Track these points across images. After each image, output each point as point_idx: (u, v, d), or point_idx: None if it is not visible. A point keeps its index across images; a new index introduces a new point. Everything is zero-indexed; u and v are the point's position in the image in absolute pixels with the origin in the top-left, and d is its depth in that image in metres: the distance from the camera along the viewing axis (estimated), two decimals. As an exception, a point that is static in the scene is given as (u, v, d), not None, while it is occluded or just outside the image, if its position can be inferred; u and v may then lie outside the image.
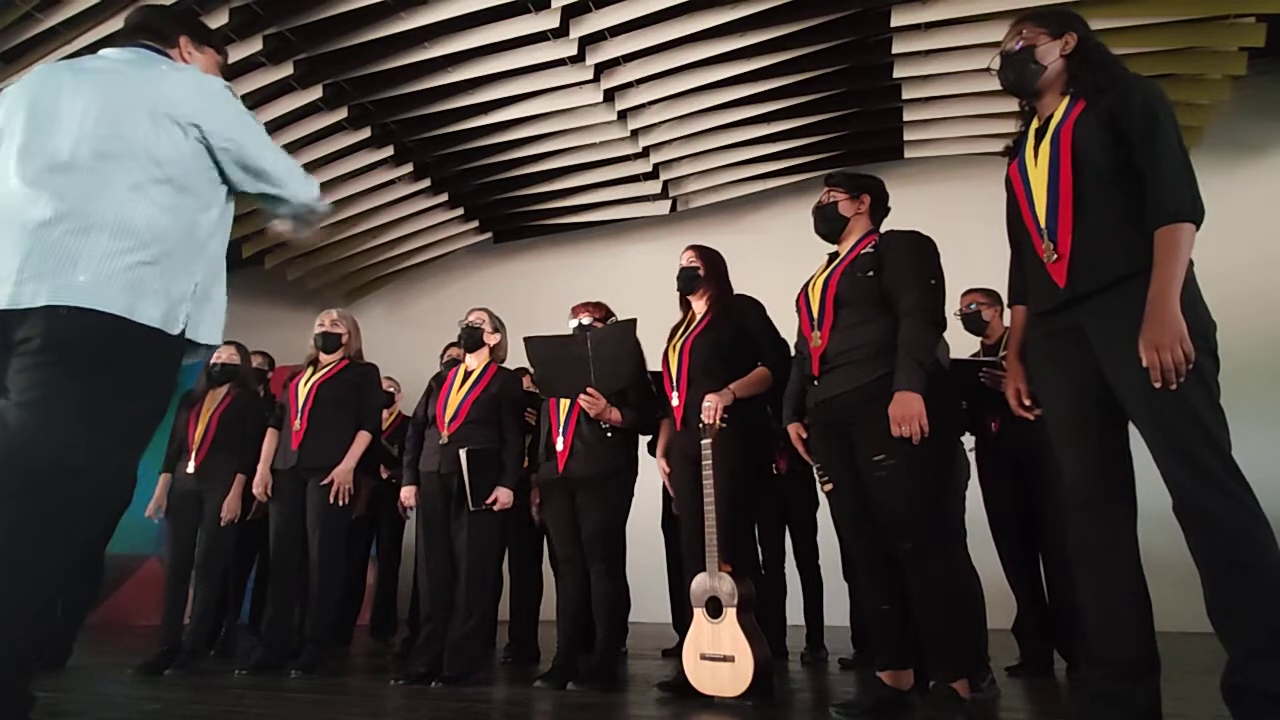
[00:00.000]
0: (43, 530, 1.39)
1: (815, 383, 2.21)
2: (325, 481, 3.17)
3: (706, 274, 2.74)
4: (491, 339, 3.15)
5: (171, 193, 1.56)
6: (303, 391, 3.28)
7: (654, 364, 3.00)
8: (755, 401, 2.58)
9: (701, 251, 2.78)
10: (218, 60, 1.88)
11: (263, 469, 3.30)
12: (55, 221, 1.46)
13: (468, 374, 3.09)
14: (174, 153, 1.58)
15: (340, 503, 3.19)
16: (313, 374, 3.33)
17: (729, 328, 2.64)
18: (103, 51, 1.70)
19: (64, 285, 1.43)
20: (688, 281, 2.75)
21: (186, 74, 1.68)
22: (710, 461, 2.42)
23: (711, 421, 2.43)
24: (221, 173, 1.67)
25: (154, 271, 1.52)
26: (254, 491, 3.30)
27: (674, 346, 2.72)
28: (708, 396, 2.47)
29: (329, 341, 3.36)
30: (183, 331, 1.56)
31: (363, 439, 3.28)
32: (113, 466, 1.50)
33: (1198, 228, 1.56)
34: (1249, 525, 1.47)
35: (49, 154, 1.52)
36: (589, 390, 2.74)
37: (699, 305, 2.75)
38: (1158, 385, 1.50)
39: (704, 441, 2.44)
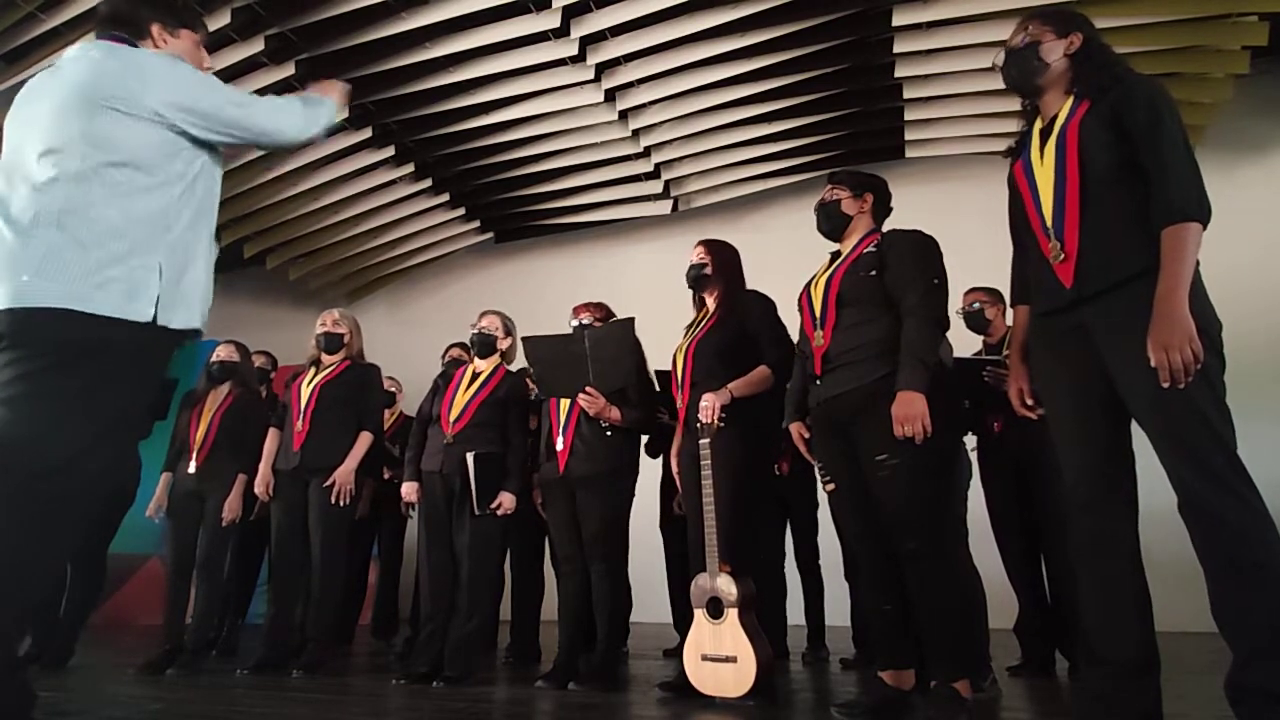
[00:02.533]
0: (36, 527, 1.40)
1: (817, 382, 2.21)
2: (327, 484, 3.17)
3: (715, 271, 2.72)
4: (503, 344, 3.15)
5: (121, 176, 1.53)
6: (305, 392, 3.28)
7: (658, 363, 3.01)
8: (757, 400, 2.58)
9: (711, 247, 2.76)
10: (196, 39, 1.83)
11: (264, 469, 3.30)
12: (6, 224, 1.47)
13: (475, 375, 3.09)
14: (119, 136, 1.54)
15: (341, 503, 3.19)
16: (315, 374, 3.33)
17: (732, 328, 2.64)
18: (66, 53, 1.67)
19: (15, 288, 1.43)
20: (696, 279, 2.74)
21: (126, 58, 1.63)
22: (709, 462, 2.42)
23: (709, 421, 2.43)
24: (196, 141, 1.64)
25: (108, 259, 1.49)
26: (255, 491, 3.30)
27: (680, 349, 2.72)
28: (705, 396, 2.47)
29: (331, 342, 3.36)
30: (154, 319, 1.53)
31: (364, 440, 3.28)
32: (101, 460, 1.49)
33: (1205, 227, 1.56)
34: (1254, 524, 1.47)
35: (12, 172, 1.53)
36: (587, 389, 2.74)
37: (710, 302, 2.75)
38: (1166, 385, 1.49)
39: (702, 441, 2.44)
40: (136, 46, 1.70)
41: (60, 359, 1.45)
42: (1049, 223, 1.72)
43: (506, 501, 2.91)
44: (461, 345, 3.84)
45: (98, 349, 1.48)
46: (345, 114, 1.90)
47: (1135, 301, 1.56)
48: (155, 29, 1.75)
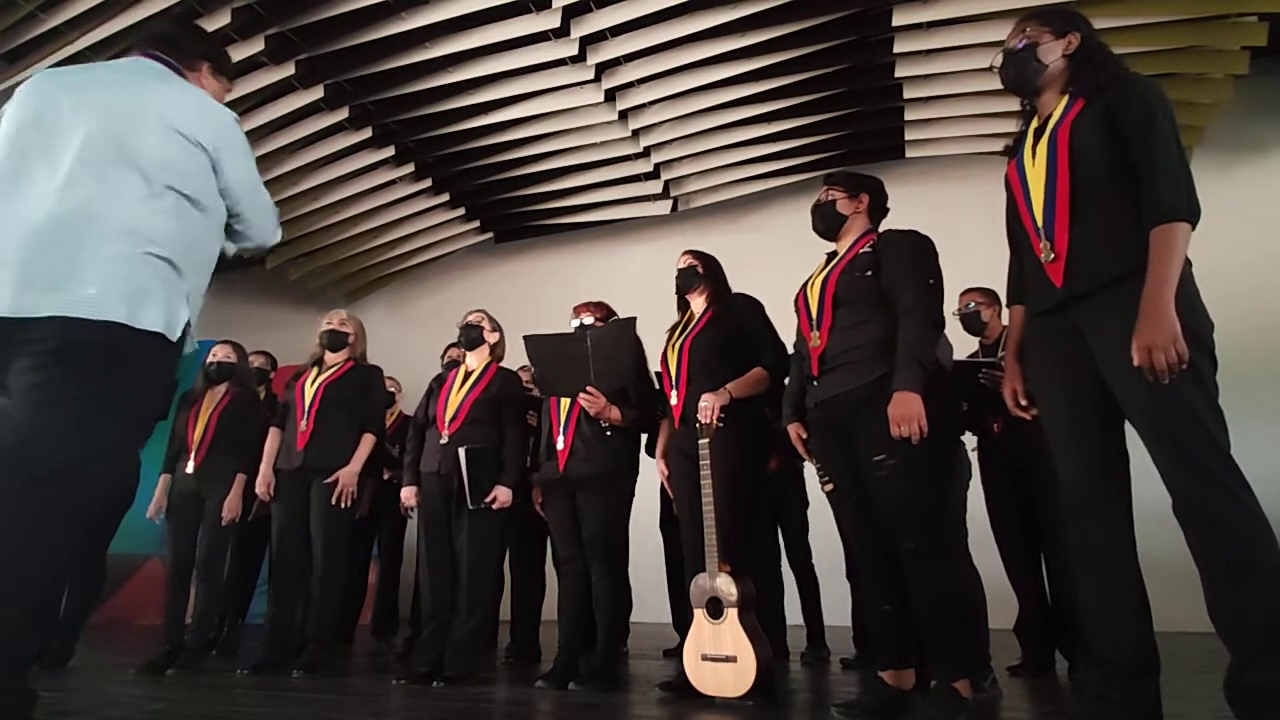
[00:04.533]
0: (46, 526, 1.41)
1: (814, 383, 2.21)
2: (329, 481, 3.17)
3: (705, 273, 2.76)
4: (491, 337, 3.16)
5: (178, 202, 1.61)
6: (309, 392, 3.28)
7: (657, 363, 3.01)
8: (753, 401, 2.58)
9: (698, 254, 2.81)
10: (227, 89, 1.95)
11: (265, 468, 3.30)
12: (61, 229, 1.48)
13: (468, 374, 3.09)
14: (182, 165, 1.62)
15: (344, 505, 3.19)
16: (318, 374, 3.34)
17: (728, 326, 2.66)
18: (114, 62, 1.75)
19: (70, 297, 1.46)
20: (687, 280, 2.76)
21: (197, 95, 1.72)
22: (708, 462, 2.43)
23: (708, 421, 2.44)
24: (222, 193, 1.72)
25: (157, 278, 1.56)
26: (257, 491, 3.30)
27: (673, 346, 2.73)
28: (704, 396, 2.48)
29: (335, 340, 3.36)
30: (176, 337, 1.60)
31: (368, 442, 3.29)
32: (113, 464, 1.53)
33: (1194, 227, 1.55)
34: (1248, 525, 1.47)
35: (57, 164, 1.53)
36: (588, 389, 2.75)
37: (697, 304, 2.77)
38: (1151, 384, 1.49)
39: (701, 441, 2.45)
40: (182, 74, 1.78)
41: (95, 367, 1.48)
42: (1040, 222, 1.72)
43: (502, 495, 2.91)
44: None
45: (130, 360, 1.53)
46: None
47: (1125, 302, 1.55)
48: (206, 67, 1.86)
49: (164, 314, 1.56)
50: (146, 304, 1.53)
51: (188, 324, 1.63)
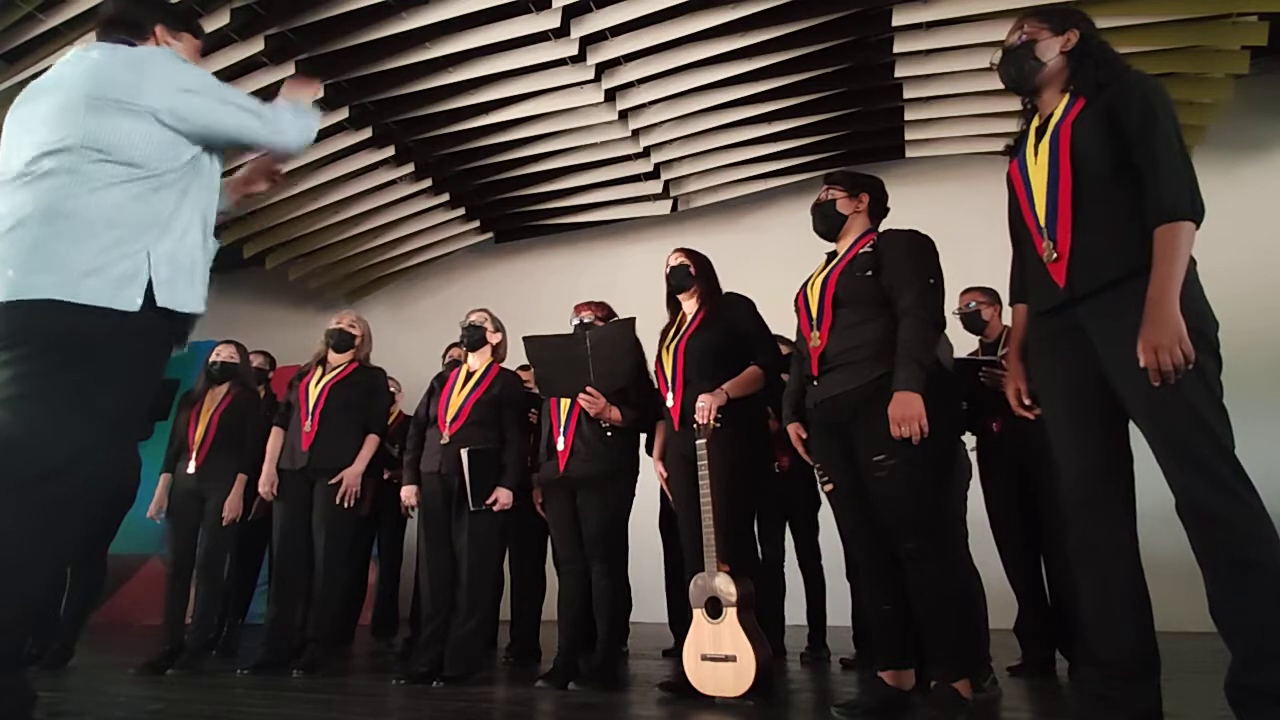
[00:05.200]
0: (37, 528, 1.39)
1: (814, 383, 2.21)
2: (334, 481, 3.18)
3: (697, 273, 2.76)
4: (493, 338, 3.16)
5: (111, 170, 1.53)
6: (314, 392, 3.29)
7: (652, 365, 3.01)
8: (750, 400, 2.58)
9: (689, 253, 2.81)
10: (196, 45, 1.85)
11: (268, 468, 3.30)
12: (9, 225, 1.47)
13: (470, 374, 3.09)
14: (116, 132, 1.54)
15: (347, 505, 3.20)
16: (322, 375, 3.34)
17: (721, 327, 2.66)
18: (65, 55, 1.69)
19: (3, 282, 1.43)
20: (681, 279, 2.76)
21: (121, 53, 1.64)
22: (706, 462, 2.43)
23: (706, 421, 2.44)
24: (188, 137, 1.63)
25: (95, 250, 1.48)
26: (260, 490, 3.30)
27: (667, 348, 2.73)
28: (701, 397, 2.47)
29: (342, 340, 3.37)
30: (145, 307, 1.51)
31: (371, 442, 3.31)
32: (101, 460, 1.49)
33: (1198, 226, 1.55)
34: (1252, 524, 1.46)
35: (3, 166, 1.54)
36: (589, 389, 2.75)
37: (689, 305, 2.77)
38: (1156, 384, 1.49)
39: (699, 442, 2.44)
40: (134, 46, 1.71)
41: (54, 355, 1.44)
42: (1042, 221, 1.72)
43: (503, 497, 2.91)
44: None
45: (91, 343, 1.47)
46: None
47: (1128, 301, 1.55)
48: (159, 30, 1.77)
49: (111, 286, 1.48)
50: (88, 278, 1.46)
51: (147, 292, 1.52)
